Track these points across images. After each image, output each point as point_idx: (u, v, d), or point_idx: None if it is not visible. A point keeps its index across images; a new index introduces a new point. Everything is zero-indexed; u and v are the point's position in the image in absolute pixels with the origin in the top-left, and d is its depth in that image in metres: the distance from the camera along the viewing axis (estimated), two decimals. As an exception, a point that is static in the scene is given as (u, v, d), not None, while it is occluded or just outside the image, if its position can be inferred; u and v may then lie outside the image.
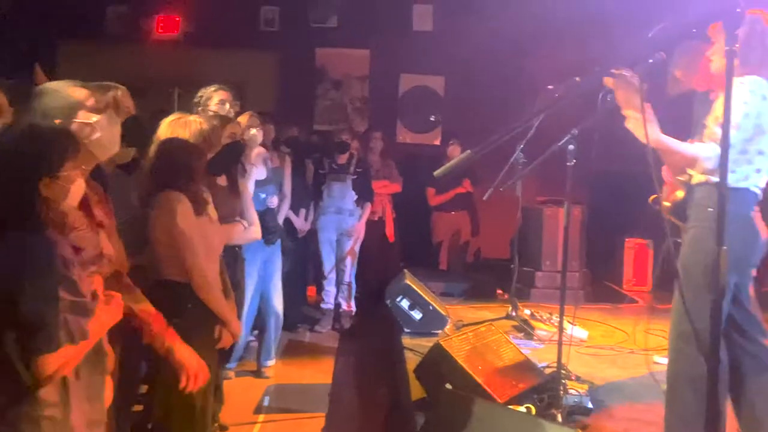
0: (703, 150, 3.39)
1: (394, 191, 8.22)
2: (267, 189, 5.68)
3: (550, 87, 3.86)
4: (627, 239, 8.84)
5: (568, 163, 4.40)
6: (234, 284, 4.05)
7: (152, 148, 3.53)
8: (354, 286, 7.53)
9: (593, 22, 8.26)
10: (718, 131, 3.15)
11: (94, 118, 2.79)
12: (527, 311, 6.65)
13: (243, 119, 5.36)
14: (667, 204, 3.67)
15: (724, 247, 2.40)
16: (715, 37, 3.47)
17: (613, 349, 5.85)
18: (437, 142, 9.90)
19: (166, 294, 3.26)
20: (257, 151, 5.37)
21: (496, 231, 8.93)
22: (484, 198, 5.91)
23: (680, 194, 3.64)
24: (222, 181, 4.48)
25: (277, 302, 5.81)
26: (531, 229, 7.98)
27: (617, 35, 3.50)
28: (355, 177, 7.36)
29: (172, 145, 3.55)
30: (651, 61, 3.38)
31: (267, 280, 5.73)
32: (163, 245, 3.35)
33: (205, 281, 3.38)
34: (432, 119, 10.07)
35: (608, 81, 3.32)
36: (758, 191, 3.49)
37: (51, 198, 2.26)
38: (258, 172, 5.46)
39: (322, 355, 6.38)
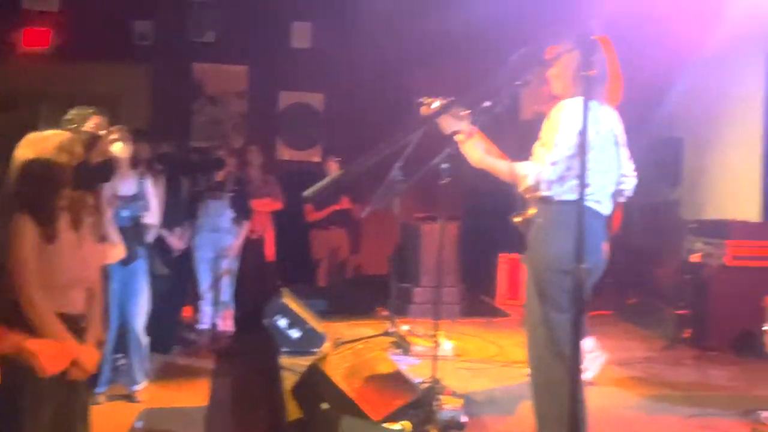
0: (521, 169, 3.58)
1: (276, 209, 8.17)
2: (132, 206, 5.53)
3: (420, 100, 3.98)
4: (501, 254, 9.07)
5: (441, 182, 4.49)
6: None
7: (11, 169, 3.39)
8: (232, 305, 7.43)
9: (473, 39, 8.49)
10: (540, 151, 3.48)
11: None
12: (405, 327, 6.72)
13: (112, 134, 5.23)
14: (518, 219, 3.84)
15: (584, 266, 2.51)
16: (553, 61, 3.64)
17: (487, 363, 5.98)
18: (317, 159, 9.91)
19: (15, 317, 3.13)
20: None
21: (376, 247, 9.01)
22: (362, 215, 5.96)
23: (532, 211, 3.80)
24: (90, 200, 4.33)
25: (139, 324, 5.63)
26: (409, 246, 8.08)
27: (497, 53, 3.64)
28: (232, 194, 7.27)
29: (29, 167, 3.39)
30: (518, 83, 3.53)
31: (127, 301, 5.54)
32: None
33: (35, 316, 3.17)
34: (312, 136, 10.07)
35: (424, 110, 3.54)
36: (596, 207, 3.68)
37: None
38: (123, 187, 5.31)
39: (197, 376, 6.24)
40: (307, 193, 2.95)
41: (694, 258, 7.20)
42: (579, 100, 3.55)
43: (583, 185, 2.68)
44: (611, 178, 3.72)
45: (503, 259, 9.07)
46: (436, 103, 3.58)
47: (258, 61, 9.83)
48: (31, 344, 2.93)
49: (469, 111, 3.56)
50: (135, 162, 5.51)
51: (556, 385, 3.47)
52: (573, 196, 3.58)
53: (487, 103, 3.63)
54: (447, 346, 6.15)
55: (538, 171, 3.53)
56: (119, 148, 5.23)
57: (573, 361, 2.61)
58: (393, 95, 9.28)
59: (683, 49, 7.87)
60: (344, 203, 8.72)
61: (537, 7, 7.81)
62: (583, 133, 2.76)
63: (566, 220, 3.35)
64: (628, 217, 9.39)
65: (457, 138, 3.54)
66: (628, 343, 7.20)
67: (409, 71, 9.21)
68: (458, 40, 8.46)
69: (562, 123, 3.53)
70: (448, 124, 3.59)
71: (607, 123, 3.68)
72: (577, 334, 2.59)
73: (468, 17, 7.93)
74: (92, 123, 4.90)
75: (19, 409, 3.13)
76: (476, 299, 8.73)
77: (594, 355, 5.53)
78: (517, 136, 3.60)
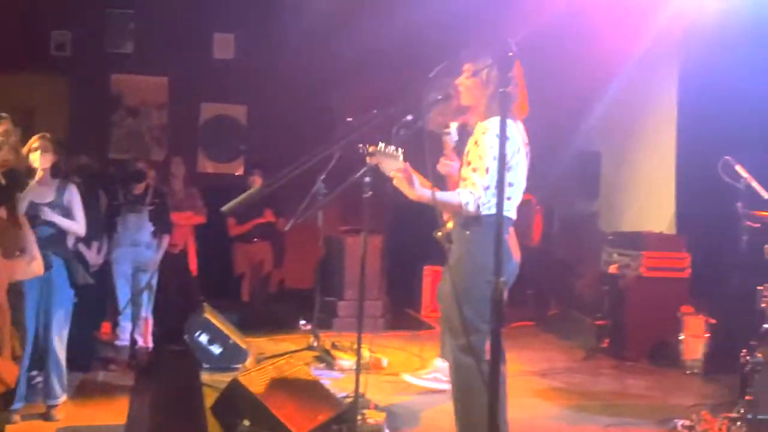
0: (459, 198, 3.66)
1: (199, 222, 8.05)
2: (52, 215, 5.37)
3: (349, 119, 4.02)
4: (425, 267, 9.12)
5: (364, 195, 4.50)
6: (15, 322, 3.79)
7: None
8: (151, 321, 7.27)
9: (395, 53, 8.54)
10: (473, 177, 3.63)
11: None
12: (330, 341, 6.69)
13: (33, 140, 5.10)
14: (440, 233, 3.92)
15: (503, 279, 2.56)
16: (470, 76, 3.72)
17: (412, 376, 5.99)
18: (240, 172, 9.82)
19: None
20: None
21: (300, 261, 8.95)
22: (286, 228, 5.91)
23: (450, 225, 3.91)
24: (2, 212, 4.20)
25: (56, 338, 5.47)
26: (333, 259, 8.06)
27: (419, 67, 3.70)
28: (152, 208, 7.12)
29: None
30: (439, 98, 3.59)
31: (46, 315, 5.38)
32: None
33: None
34: (238, 148, 9.97)
35: (370, 160, 3.70)
36: (511, 215, 3.82)
37: None
38: (41, 195, 5.16)
39: (116, 394, 6.08)
40: (225, 208, 2.92)
41: (612, 269, 7.37)
42: (497, 121, 3.63)
43: (501, 203, 2.76)
44: (522, 189, 3.82)
45: (428, 272, 9.12)
46: (381, 146, 3.65)
47: (179, 72, 9.69)
48: None
49: (401, 149, 3.63)
50: (55, 171, 5.36)
51: (477, 393, 3.52)
52: (494, 210, 3.67)
53: (408, 117, 3.69)
54: (382, 361, 6.15)
55: (476, 198, 3.63)
56: (37, 157, 5.10)
57: (493, 369, 2.66)
58: (316, 107, 9.27)
59: (602, 64, 8.07)
60: (267, 216, 8.64)
61: (458, 22, 7.92)
62: (502, 155, 2.84)
63: (489, 232, 3.42)
64: (548, 229, 9.64)
65: (395, 176, 3.61)
66: (549, 354, 7.32)
67: (332, 84, 9.22)
68: (381, 53, 8.51)
69: (489, 147, 3.61)
70: (387, 166, 3.70)
71: (521, 138, 3.77)
72: (498, 342, 2.65)
73: (390, 31, 7.99)
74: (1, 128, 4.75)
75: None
76: (401, 312, 8.75)
77: (443, 380, 5.60)
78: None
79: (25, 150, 5.11)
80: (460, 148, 4.38)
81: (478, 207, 3.63)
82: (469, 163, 3.70)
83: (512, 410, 3.87)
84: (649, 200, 8.25)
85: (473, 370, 3.59)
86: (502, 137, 2.78)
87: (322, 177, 5.69)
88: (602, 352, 7.12)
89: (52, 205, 5.34)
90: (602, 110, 8.71)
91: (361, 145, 3.81)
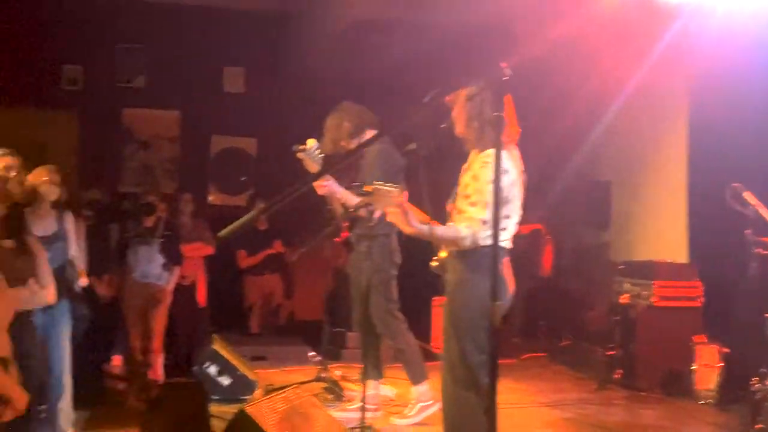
0: (461, 232, 3.61)
1: (208, 253, 8.06)
2: (52, 248, 5.39)
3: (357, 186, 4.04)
4: (434, 298, 9.07)
5: (370, 224, 4.52)
6: (24, 353, 3.80)
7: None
8: (162, 353, 7.26)
9: (396, 85, 8.61)
10: (472, 211, 3.57)
11: None
12: (338, 372, 6.66)
13: (42, 172, 5.15)
14: (434, 263, 3.91)
15: (498, 302, 2.57)
16: (453, 105, 3.71)
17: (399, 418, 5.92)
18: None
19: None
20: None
21: (310, 292, 8.94)
22: (293, 259, 5.94)
23: (443, 254, 3.86)
24: (7, 243, 4.22)
25: (62, 370, 5.47)
26: (343, 290, 8.01)
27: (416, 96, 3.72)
28: (162, 240, 7.15)
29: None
30: (443, 126, 3.60)
31: (49, 347, 5.38)
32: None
33: None
34: (243, 180, 10.01)
35: (368, 198, 3.69)
36: (506, 245, 3.74)
37: None
38: (43, 228, 5.18)
39: (126, 427, 6.06)
40: (222, 233, 2.92)
41: (623, 299, 7.31)
42: (491, 153, 3.62)
43: (497, 234, 2.77)
44: (517, 220, 3.79)
45: (436, 303, 9.06)
46: (377, 184, 3.65)
47: (190, 105, 9.78)
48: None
49: (397, 186, 3.62)
50: (55, 203, 5.39)
51: (472, 426, 3.49)
52: (489, 242, 3.66)
53: (412, 146, 3.71)
54: (389, 392, 6.11)
55: (474, 231, 3.58)
56: (46, 189, 5.14)
57: (490, 400, 2.65)
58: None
59: (609, 91, 8.09)
60: (277, 247, 8.66)
61: (452, 50, 7.99)
62: (496, 174, 2.83)
63: (484, 260, 3.44)
64: (559, 259, 9.59)
65: (390, 212, 3.59)
66: (560, 385, 7.26)
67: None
68: (384, 84, 8.58)
69: (489, 181, 3.53)
70: (380, 203, 3.70)
71: (518, 170, 3.73)
72: (495, 372, 2.64)
73: (392, 61, 8.08)
74: (2, 164, 4.80)
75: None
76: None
77: (426, 404, 5.57)
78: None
79: (31, 182, 5.15)
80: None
81: (475, 242, 3.60)
82: (467, 197, 3.66)
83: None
84: (662, 229, 8.21)
85: (470, 403, 3.55)
86: (497, 161, 2.78)
87: (328, 206, 5.75)
88: (614, 382, 7.05)
89: (54, 237, 5.37)
90: (612, 139, 8.72)
91: (356, 184, 3.81)
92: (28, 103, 8.99)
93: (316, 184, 4.69)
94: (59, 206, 5.40)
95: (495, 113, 2.78)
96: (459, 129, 3.74)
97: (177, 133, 9.97)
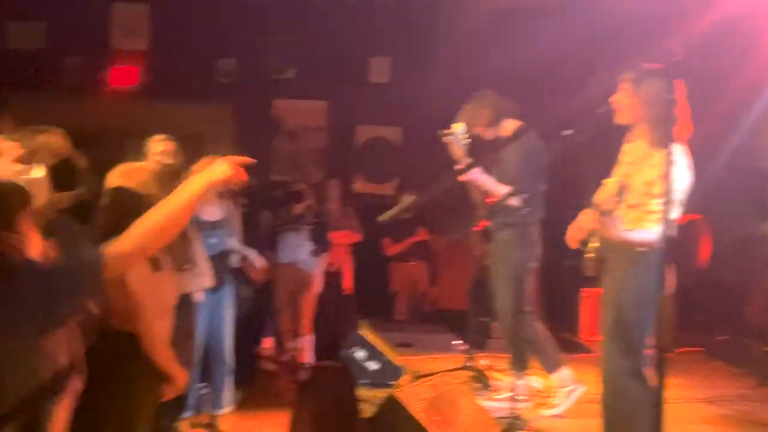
0: (652, 232, 3.46)
1: (354, 241, 8.20)
2: (217, 233, 5.61)
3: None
4: (583, 289, 8.88)
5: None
6: (185, 333, 3.96)
7: (103, 198, 3.48)
8: (311, 337, 7.45)
9: (548, 71, 8.45)
10: (662, 210, 3.20)
11: (16, 167, 2.77)
12: (484, 362, 6.62)
13: (207, 161, 5.36)
14: (590, 254, 3.87)
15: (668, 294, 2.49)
16: (622, 88, 3.55)
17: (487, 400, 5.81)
18: (393, 192, 9.92)
19: (112, 344, 3.19)
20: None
21: (455, 280, 8.92)
22: (439, 247, 5.93)
23: (594, 244, 3.81)
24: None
25: (226, 350, 5.70)
26: (488, 279, 7.96)
27: (573, 82, 3.63)
28: (311, 227, 7.33)
29: (122, 195, 3.49)
30: (600, 111, 3.49)
31: (214, 328, 5.62)
32: (111, 299, 3.27)
33: (152, 341, 3.31)
34: (390, 170, 10.09)
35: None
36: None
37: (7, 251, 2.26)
38: (209, 214, 5.39)
39: (277, 407, 6.26)
40: (382, 217, 2.95)
41: (786, 293, 6.92)
42: (680, 150, 3.49)
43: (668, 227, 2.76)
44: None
45: (586, 294, 8.87)
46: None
47: (336, 96, 9.94)
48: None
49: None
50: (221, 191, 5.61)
51: (638, 420, 3.38)
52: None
53: (567, 131, 3.61)
54: (536, 383, 6.02)
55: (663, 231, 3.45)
56: None
57: (659, 394, 2.55)
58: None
59: (766, 77, 7.67)
60: (422, 235, 8.69)
61: (614, 33, 7.73)
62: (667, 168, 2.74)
63: (656, 255, 3.30)
64: (716, 251, 9.18)
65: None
66: (717, 381, 6.96)
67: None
68: (534, 70, 8.42)
69: (678, 179, 3.39)
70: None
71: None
72: (663, 365, 2.55)
73: (543, 47, 7.91)
74: (160, 148, 5.01)
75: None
76: (558, 335, 8.53)
77: (569, 388, 5.37)
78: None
79: (198, 170, 5.37)
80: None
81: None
82: (652, 195, 3.50)
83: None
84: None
85: (636, 394, 3.44)
86: (668, 154, 2.68)
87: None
88: (774, 380, 6.68)
89: (219, 223, 5.59)
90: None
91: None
92: (185, 96, 9.37)
93: (457, 170, 4.64)
94: (223, 194, 5.62)
95: (667, 95, 2.64)
96: (625, 116, 3.60)
97: (324, 123, 10.17)
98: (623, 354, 3.53)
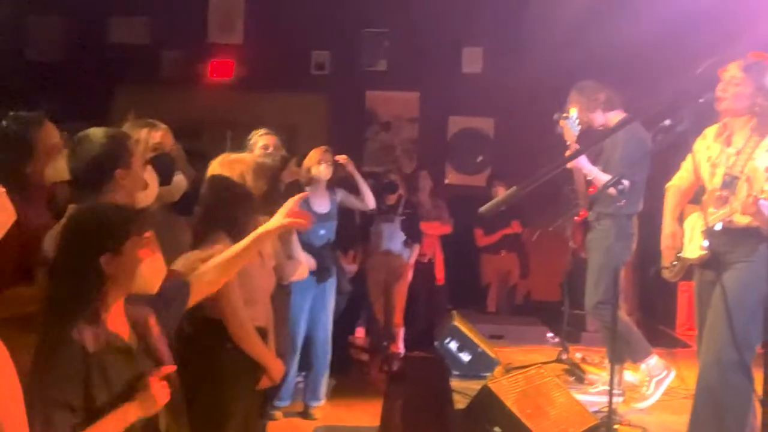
0: None
1: (446, 232, 8.21)
2: (327, 225, 5.70)
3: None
4: (681, 283, 8.66)
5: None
6: (280, 321, 4.04)
7: (203, 188, 3.56)
8: (403, 327, 7.50)
9: (645, 57, 8.25)
10: None
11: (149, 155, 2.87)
12: (578, 354, 6.55)
13: (316, 153, 5.47)
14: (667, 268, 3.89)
15: None
16: (723, 78, 3.44)
17: (667, 394, 5.71)
18: (482, 184, 9.88)
19: (207, 332, 3.27)
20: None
21: (547, 273, 8.82)
22: (533, 239, 5.88)
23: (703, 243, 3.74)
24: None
25: (326, 341, 5.80)
26: (581, 271, 7.85)
27: (672, 69, 3.53)
28: (403, 218, 7.38)
29: (220, 184, 3.54)
30: (701, 100, 3.40)
31: (316, 319, 5.71)
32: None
33: (242, 329, 3.35)
34: (481, 161, 10.05)
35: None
36: None
37: (114, 275, 2.30)
38: (320, 206, 5.49)
39: (370, 396, 6.34)
40: (483, 209, 2.95)
41: None
42: None
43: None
44: None
45: (683, 288, 8.65)
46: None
47: (429, 87, 9.95)
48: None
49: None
50: (329, 183, 5.71)
51: (741, 410, 3.31)
52: None
53: (667, 122, 3.52)
54: (633, 378, 5.93)
55: None
56: (322, 170, 5.46)
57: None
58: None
59: None
60: (514, 227, 8.63)
61: (718, 16, 7.49)
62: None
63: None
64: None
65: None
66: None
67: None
68: (630, 56, 8.24)
69: None
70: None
71: None
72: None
73: (640, 31, 7.73)
74: (262, 142, 5.11)
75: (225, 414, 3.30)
76: (654, 329, 8.36)
77: (660, 377, 5.20)
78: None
79: (307, 163, 5.48)
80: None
81: None
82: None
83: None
84: None
85: (738, 388, 3.36)
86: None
87: (570, 186, 5.64)
88: None
89: (329, 215, 5.69)
90: None
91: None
92: (281, 88, 9.54)
93: (567, 156, 4.58)
94: (332, 185, 5.73)
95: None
96: (732, 105, 3.50)
97: (416, 114, 10.19)
98: (734, 347, 3.43)
